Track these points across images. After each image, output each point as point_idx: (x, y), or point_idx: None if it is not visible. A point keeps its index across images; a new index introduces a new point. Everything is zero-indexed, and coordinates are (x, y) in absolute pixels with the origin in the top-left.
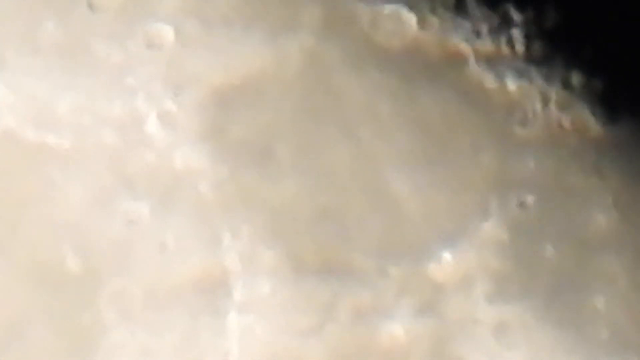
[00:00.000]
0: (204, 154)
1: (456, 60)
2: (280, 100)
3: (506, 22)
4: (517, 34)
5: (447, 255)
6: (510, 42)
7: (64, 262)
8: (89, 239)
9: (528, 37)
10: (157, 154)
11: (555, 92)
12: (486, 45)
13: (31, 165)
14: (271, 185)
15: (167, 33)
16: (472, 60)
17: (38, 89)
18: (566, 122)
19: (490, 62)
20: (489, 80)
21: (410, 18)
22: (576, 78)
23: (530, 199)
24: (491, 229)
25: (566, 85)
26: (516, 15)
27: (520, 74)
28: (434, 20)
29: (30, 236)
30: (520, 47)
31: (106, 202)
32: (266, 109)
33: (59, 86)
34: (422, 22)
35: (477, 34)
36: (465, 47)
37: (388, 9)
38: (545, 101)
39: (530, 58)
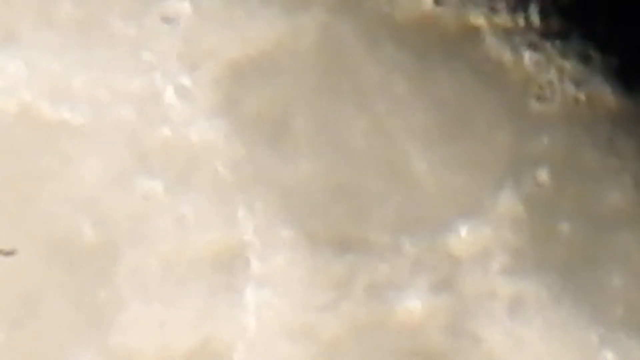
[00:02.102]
0: (220, 129)
1: (472, 35)
2: (295, 75)
3: None
4: (533, 8)
5: (463, 231)
6: (527, 16)
7: (81, 237)
8: (106, 214)
9: (544, 11)
10: (174, 129)
11: (571, 67)
12: (502, 19)
13: (47, 141)
14: (287, 161)
15: (183, 7)
16: (488, 34)
17: (54, 64)
18: (582, 97)
19: (507, 36)
20: (505, 55)
21: None
22: (592, 52)
23: (545, 175)
24: (507, 204)
25: (582, 59)
26: None
27: (536, 48)
28: None
29: (46, 211)
30: (536, 21)
31: (122, 178)
32: (282, 83)
33: (74, 61)
34: None
35: (493, 8)
36: (481, 22)
37: None
38: (561, 76)
39: (546, 32)
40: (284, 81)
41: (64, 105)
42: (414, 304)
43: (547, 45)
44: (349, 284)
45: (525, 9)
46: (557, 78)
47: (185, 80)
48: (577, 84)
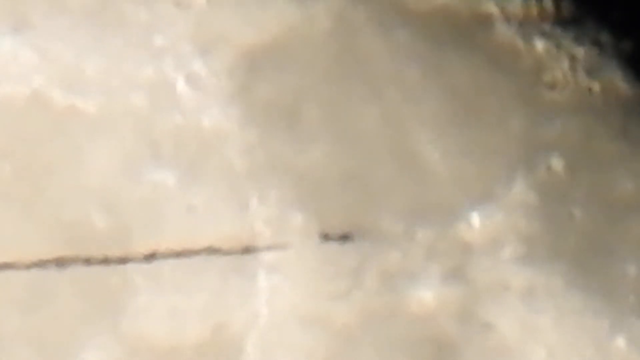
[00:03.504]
0: (232, 116)
1: (484, 23)
2: (308, 62)
3: None
4: None
5: (475, 219)
6: (539, 4)
7: (92, 224)
8: (117, 202)
9: None
10: (185, 116)
11: (584, 55)
12: (515, 6)
13: (58, 128)
14: (299, 149)
15: None
16: (500, 22)
17: (65, 50)
18: (594, 85)
19: (519, 24)
20: (518, 43)
21: None
22: (605, 40)
23: (558, 162)
24: (519, 192)
25: (595, 47)
26: None
27: (548, 36)
28: None
29: (57, 199)
30: (548, 8)
31: (134, 165)
32: (294, 71)
33: (86, 47)
34: None
35: None
36: (493, 9)
37: None
38: (574, 64)
39: (559, 20)
40: (297, 68)
41: (75, 92)
42: (425, 292)
43: (560, 32)
44: (360, 272)
45: None
46: (570, 66)
47: (198, 67)
48: (590, 71)
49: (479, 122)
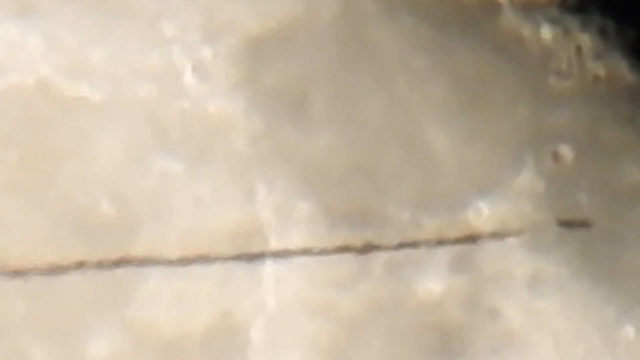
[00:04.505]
0: (239, 104)
1: (491, 10)
2: (314, 49)
3: None
4: None
5: (482, 207)
6: None
7: (99, 212)
8: (124, 190)
9: None
10: (192, 104)
11: (590, 42)
12: None
13: (65, 116)
14: (305, 137)
15: None
16: (507, 8)
17: (72, 38)
18: (601, 73)
19: (525, 10)
20: (524, 30)
21: None
22: (611, 27)
23: (564, 151)
24: (526, 180)
25: (601, 34)
26: None
27: (555, 23)
28: None
29: (65, 187)
30: None
31: (141, 154)
32: (301, 58)
33: (93, 35)
34: None
35: None
36: None
37: None
38: (580, 51)
39: (565, 6)
40: (304, 56)
41: (82, 80)
42: (432, 280)
43: (566, 19)
44: (367, 260)
45: None
46: (576, 53)
47: (205, 55)
48: (597, 58)
49: (485, 110)
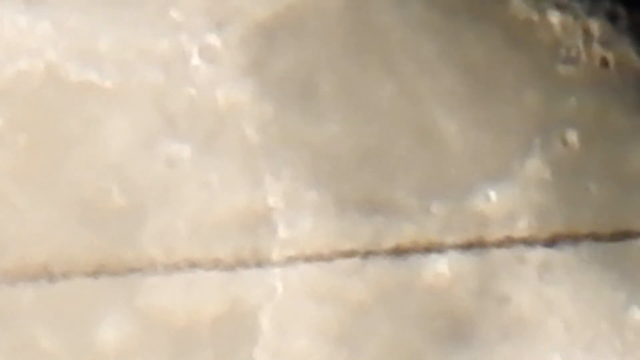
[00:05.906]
0: (247, 90)
1: None
2: (323, 35)
3: None
4: None
5: (491, 193)
6: None
7: (108, 199)
8: (133, 177)
9: None
10: (201, 91)
11: (598, 28)
12: None
13: (74, 103)
14: (314, 123)
15: None
16: None
17: (81, 24)
18: (610, 59)
19: None
20: (533, 16)
21: None
22: (619, 13)
23: (573, 137)
24: (534, 166)
25: (609, 20)
26: None
27: (563, 9)
28: None
29: (73, 174)
30: None
31: (149, 141)
32: (309, 44)
33: (102, 21)
34: None
35: None
36: None
37: None
38: (589, 37)
39: None
40: (312, 42)
41: (91, 66)
42: (441, 266)
43: (575, 5)
44: (376, 246)
45: None
46: (584, 39)
47: (213, 41)
48: (605, 45)
49: (494, 96)
